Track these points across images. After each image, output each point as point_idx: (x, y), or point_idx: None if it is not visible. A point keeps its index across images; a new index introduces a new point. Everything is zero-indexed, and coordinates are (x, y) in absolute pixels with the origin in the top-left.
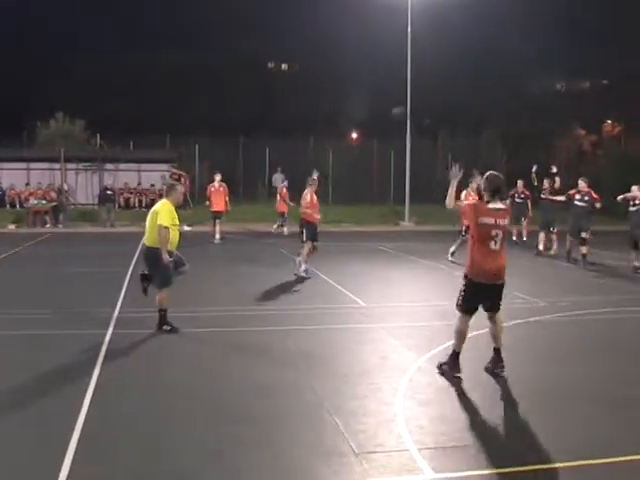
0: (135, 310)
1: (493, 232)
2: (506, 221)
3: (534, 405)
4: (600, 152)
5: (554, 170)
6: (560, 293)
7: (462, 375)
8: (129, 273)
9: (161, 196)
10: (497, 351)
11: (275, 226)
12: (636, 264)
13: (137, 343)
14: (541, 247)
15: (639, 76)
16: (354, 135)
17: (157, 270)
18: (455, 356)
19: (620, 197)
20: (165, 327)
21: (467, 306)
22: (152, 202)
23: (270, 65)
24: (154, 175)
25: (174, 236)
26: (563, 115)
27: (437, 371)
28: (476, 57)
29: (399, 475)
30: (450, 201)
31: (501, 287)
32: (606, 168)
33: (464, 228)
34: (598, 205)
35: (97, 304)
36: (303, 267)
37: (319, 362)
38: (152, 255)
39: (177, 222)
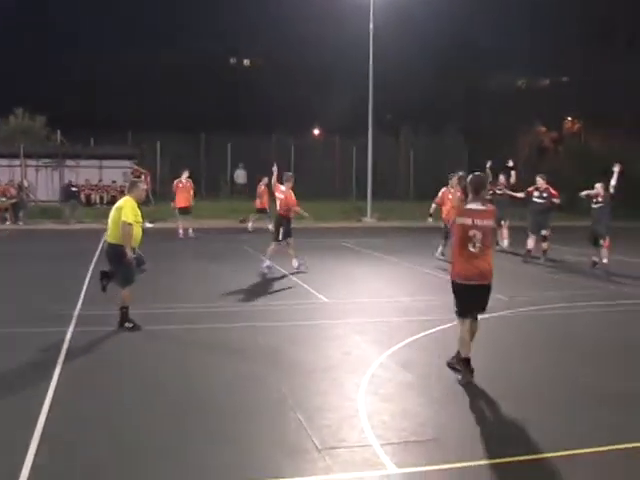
0: (96, 308)
1: (470, 232)
2: (486, 222)
3: (495, 399)
4: (560, 148)
5: (510, 164)
6: (519, 288)
7: (426, 370)
8: (90, 270)
9: (122, 193)
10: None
11: (250, 223)
12: (595, 259)
13: (99, 341)
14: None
15: (599, 73)
16: (316, 131)
17: (119, 267)
18: (464, 362)
19: (583, 193)
20: (127, 325)
21: (461, 309)
22: (113, 199)
23: (232, 61)
24: (115, 172)
25: (137, 233)
26: (524, 112)
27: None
28: (438, 53)
29: (362, 470)
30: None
31: (488, 286)
32: (566, 164)
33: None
34: (557, 201)
35: (58, 302)
36: (267, 263)
37: (282, 358)
38: (115, 252)
39: (140, 219)
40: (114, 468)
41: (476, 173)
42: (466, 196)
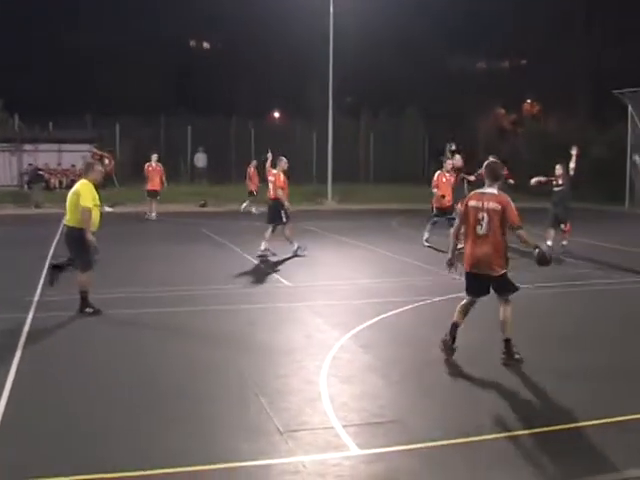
0: (57, 293)
1: (479, 215)
2: (494, 205)
3: (455, 378)
4: (520, 130)
5: (453, 147)
6: None
7: (387, 352)
8: (50, 255)
9: (81, 176)
10: (505, 342)
11: (244, 205)
12: (549, 243)
13: (59, 326)
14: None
15: (558, 56)
16: (276, 114)
17: (79, 252)
18: (452, 327)
19: (533, 181)
20: (87, 310)
21: (468, 291)
22: (72, 183)
23: (192, 44)
24: (75, 156)
25: (95, 216)
26: (484, 94)
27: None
28: (398, 36)
29: (324, 452)
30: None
31: (498, 278)
32: (526, 146)
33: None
34: (511, 181)
35: (17, 287)
36: (295, 245)
37: (244, 342)
38: (74, 236)
39: (98, 202)
40: (73, 454)
41: (493, 160)
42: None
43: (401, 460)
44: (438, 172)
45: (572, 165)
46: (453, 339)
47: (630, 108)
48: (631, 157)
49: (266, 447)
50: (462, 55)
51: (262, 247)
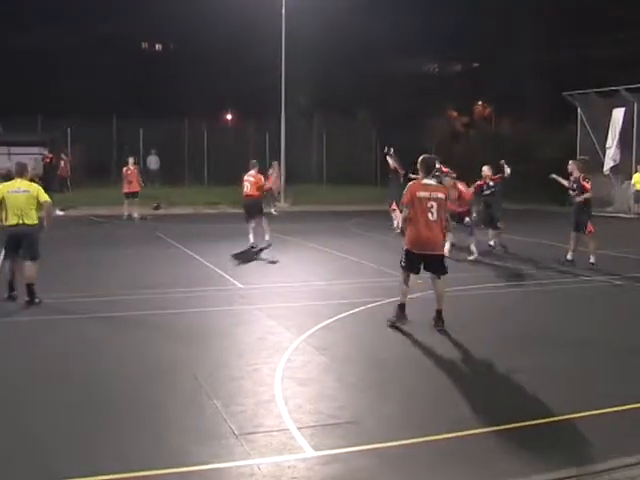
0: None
1: (429, 204)
2: (440, 195)
3: (412, 378)
4: (472, 132)
5: (389, 151)
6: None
7: (342, 353)
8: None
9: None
10: (438, 312)
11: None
12: (491, 243)
13: (9, 330)
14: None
15: (508, 58)
16: (229, 116)
17: (35, 245)
18: (399, 308)
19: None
20: (37, 300)
21: (407, 269)
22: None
23: (144, 45)
24: (25, 159)
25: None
26: (436, 96)
27: (388, 324)
28: (351, 38)
29: (280, 454)
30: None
31: (438, 257)
32: (477, 148)
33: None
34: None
35: None
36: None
37: (196, 345)
38: (34, 232)
39: None
40: (14, 461)
41: (428, 155)
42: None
43: (357, 461)
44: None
45: (508, 171)
46: (404, 318)
47: (579, 110)
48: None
49: (221, 450)
50: (414, 58)
51: (267, 237)
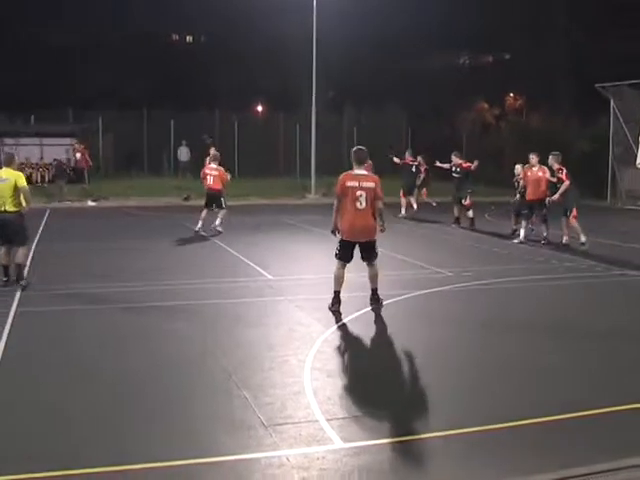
0: (39, 287)
1: (357, 193)
2: (369, 184)
3: (440, 373)
4: (503, 124)
5: (391, 153)
6: (464, 263)
7: (370, 345)
8: (32, 250)
9: (65, 171)
10: (373, 291)
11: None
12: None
13: (41, 321)
14: (403, 211)
15: (539, 50)
16: (259, 108)
17: (23, 230)
18: (335, 295)
19: (438, 164)
20: (23, 282)
21: (341, 257)
22: (54, 178)
23: (175, 37)
24: (57, 150)
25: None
26: (467, 88)
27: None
28: (381, 31)
29: (309, 446)
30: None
31: (370, 244)
32: (508, 140)
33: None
34: (473, 167)
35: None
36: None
37: (226, 336)
38: (17, 218)
39: None
40: (49, 450)
41: (359, 147)
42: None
43: (385, 453)
44: (524, 166)
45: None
46: (339, 304)
47: (612, 102)
48: (613, 151)
49: (250, 441)
50: (445, 50)
51: (217, 222)
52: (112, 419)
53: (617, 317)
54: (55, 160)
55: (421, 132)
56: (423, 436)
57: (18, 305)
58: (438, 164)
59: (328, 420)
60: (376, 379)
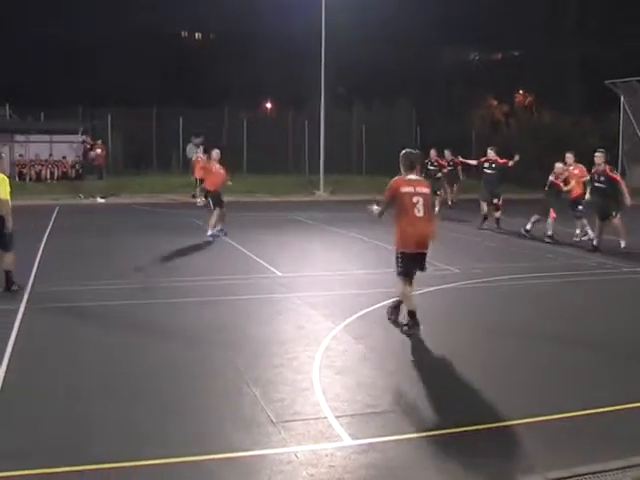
0: (50, 284)
1: (414, 199)
2: (425, 190)
3: (448, 371)
4: (512, 121)
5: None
6: (473, 260)
7: (379, 342)
8: (42, 247)
9: (73, 167)
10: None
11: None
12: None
13: (53, 318)
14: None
15: (549, 47)
16: (268, 105)
17: (7, 234)
18: (410, 315)
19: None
20: (14, 287)
21: (407, 273)
22: (64, 174)
23: (184, 34)
24: (66, 147)
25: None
26: (476, 85)
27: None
28: (390, 27)
29: (317, 443)
30: (379, 213)
31: (425, 255)
32: (518, 138)
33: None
34: (511, 163)
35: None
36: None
37: (236, 333)
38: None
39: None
40: (65, 446)
41: (409, 150)
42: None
43: (394, 450)
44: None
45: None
46: (417, 326)
47: (622, 98)
48: (622, 147)
49: (259, 438)
50: (454, 46)
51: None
52: (123, 415)
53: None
54: (78, 157)
55: (430, 129)
56: (431, 433)
57: (27, 301)
58: (461, 159)
59: (337, 417)
60: (384, 377)
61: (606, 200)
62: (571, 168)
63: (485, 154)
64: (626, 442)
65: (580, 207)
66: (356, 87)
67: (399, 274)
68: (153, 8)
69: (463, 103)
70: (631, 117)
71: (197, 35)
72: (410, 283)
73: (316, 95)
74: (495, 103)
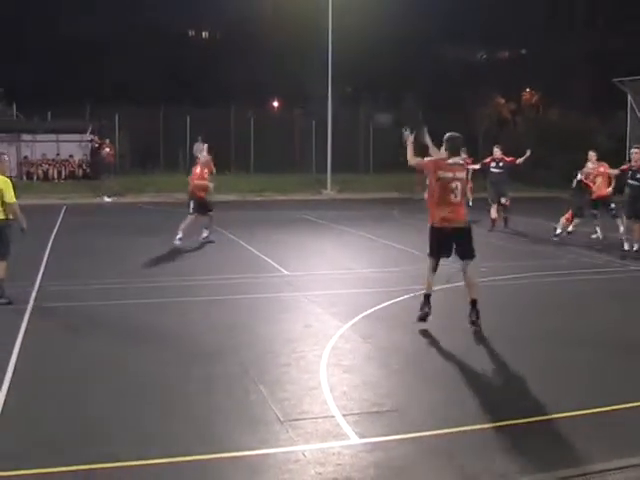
0: (57, 283)
1: (453, 185)
2: (463, 174)
3: (454, 370)
4: (519, 120)
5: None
6: (479, 259)
7: (386, 341)
8: (49, 246)
9: (80, 167)
10: (472, 302)
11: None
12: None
13: (59, 316)
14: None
15: (556, 45)
16: (275, 104)
17: (3, 241)
18: (424, 297)
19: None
20: (2, 300)
21: (430, 251)
22: (71, 174)
23: (190, 33)
24: (73, 146)
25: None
26: (483, 83)
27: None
28: (397, 25)
29: (325, 441)
30: (410, 158)
31: (464, 231)
32: (525, 135)
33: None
34: (520, 160)
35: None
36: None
37: (243, 332)
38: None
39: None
40: (70, 445)
41: (454, 134)
42: None
43: (401, 449)
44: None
45: (528, 153)
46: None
47: (629, 96)
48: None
49: (266, 436)
50: (461, 44)
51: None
52: (130, 414)
53: None
54: (85, 155)
55: (437, 127)
56: (438, 432)
57: (35, 300)
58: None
59: (344, 416)
60: (391, 375)
61: None
62: (595, 166)
63: (492, 153)
64: None
65: (613, 205)
66: (363, 86)
67: (428, 254)
68: (160, 7)
69: (469, 101)
70: (638, 115)
71: (204, 34)
72: (434, 267)
73: (323, 93)
74: (502, 101)
